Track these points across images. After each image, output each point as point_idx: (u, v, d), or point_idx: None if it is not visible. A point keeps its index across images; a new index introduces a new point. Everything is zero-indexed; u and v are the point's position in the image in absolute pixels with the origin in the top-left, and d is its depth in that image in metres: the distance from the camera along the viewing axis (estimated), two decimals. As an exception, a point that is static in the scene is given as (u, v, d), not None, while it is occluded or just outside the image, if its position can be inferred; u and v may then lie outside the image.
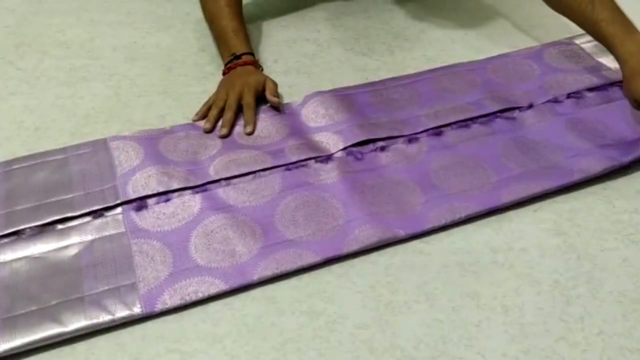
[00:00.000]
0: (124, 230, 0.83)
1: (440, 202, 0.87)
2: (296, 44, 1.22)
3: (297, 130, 0.99)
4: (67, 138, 0.99)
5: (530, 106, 1.03)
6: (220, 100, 1.02)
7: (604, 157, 0.92)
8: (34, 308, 0.74)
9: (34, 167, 0.91)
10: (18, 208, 0.85)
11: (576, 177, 0.90)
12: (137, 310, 0.75)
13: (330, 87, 1.07)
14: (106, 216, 0.85)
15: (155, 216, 0.85)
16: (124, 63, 1.16)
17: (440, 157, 0.95)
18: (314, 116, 1.01)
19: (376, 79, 1.10)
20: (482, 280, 0.80)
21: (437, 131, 0.98)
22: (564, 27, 1.19)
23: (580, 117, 1.01)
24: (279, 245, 0.82)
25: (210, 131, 0.98)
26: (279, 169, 0.92)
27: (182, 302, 0.76)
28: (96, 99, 1.08)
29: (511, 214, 0.88)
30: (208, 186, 0.89)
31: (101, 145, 0.95)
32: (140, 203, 0.86)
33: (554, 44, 1.17)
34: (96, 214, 0.85)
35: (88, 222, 0.84)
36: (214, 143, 0.96)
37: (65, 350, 0.72)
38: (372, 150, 0.95)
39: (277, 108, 1.03)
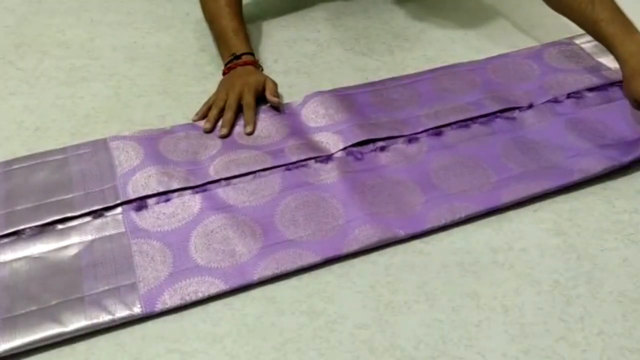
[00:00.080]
0: (124, 230, 0.83)
1: (440, 202, 0.87)
2: (296, 44, 1.22)
3: (297, 130, 0.99)
4: (67, 138, 0.99)
5: (530, 106, 1.03)
6: (220, 100, 1.02)
7: (604, 157, 0.92)
8: (34, 308, 0.74)
9: (34, 167, 0.91)
10: (18, 208, 0.85)
11: (576, 177, 0.91)
12: (137, 310, 0.75)
13: (330, 87, 1.07)
14: (106, 216, 0.85)
15: (155, 216, 0.85)
16: (124, 63, 1.16)
17: (440, 157, 0.95)
18: (314, 116, 1.01)
19: (376, 79, 1.10)
20: (482, 280, 0.80)
21: (437, 131, 0.98)
22: (564, 27, 1.19)
23: (580, 117, 1.01)
24: (279, 245, 0.82)
25: (210, 131, 0.98)
26: (279, 169, 0.92)
27: (182, 302, 0.76)
28: (96, 99, 1.08)
29: (511, 214, 0.88)
30: (208, 186, 0.89)
31: (101, 145, 0.95)
32: (140, 203, 0.86)
33: (554, 44, 1.17)
34: (96, 214, 0.85)
35: (88, 222, 0.84)
36: (214, 143, 0.96)
37: (65, 350, 0.72)
38: (372, 150, 0.95)
39: (277, 108, 1.03)
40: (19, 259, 0.80)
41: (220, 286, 0.77)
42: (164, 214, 0.85)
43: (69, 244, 0.82)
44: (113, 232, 0.83)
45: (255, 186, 0.89)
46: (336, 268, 0.81)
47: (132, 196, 0.86)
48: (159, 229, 0.83)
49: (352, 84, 1.09)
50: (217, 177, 0.90)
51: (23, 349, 0.71)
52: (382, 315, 0.76)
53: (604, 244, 0.84)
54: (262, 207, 0.87)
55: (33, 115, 1.04)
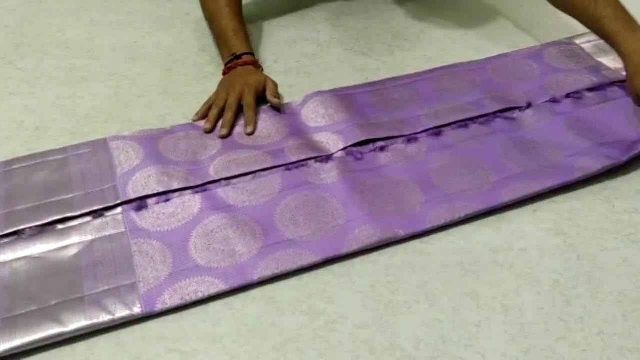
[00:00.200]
0: (124, 230, 0.83)
1: (440, 202, 0.87)
2: (296, 44, 1.22)
3: (297, 130, 0.99)
4: (67, 138, 0.99)
5: (530, 106, 1.03)
6: (220, 100, 1.02)
7: (603, 156, 0.92)
8: (34, 308, 0.74)
9: (34, 167, 0.91)
10: (18, 208, 0.85)
11: (576, 176, 0.91)
12: (137, 310, 0.75)
13: (330, 87, 1.07)
14: (106, 216, 0.85)
15: (155, 216, 0.85)
16: (124, 63, 1.16)
17: (439, 157, 0.95)
18: (314, 116, 1.01)
19: (376, 79, 1.10)
20: (482, 280, 0.80)
21: (436, 131, 0.98)
22: (564, 27, 1.19)
23: (579, 116, 1.01)
24: (279, 245, 0.82)
25: (210, 131, 0.98)
26: (279, 169, 0.92)
27: (182, 302, 0.76)
28: (96, 99, 1.08)
29: (511, 214, 0.88)
30: (208, 186, 0.89)
31: (101, 145, 0.95)
32: (140, 203, 0.86)
33: (554, 44, 1.17)
34: (96, 214, 0.85)
35: (88, 222, 0.84)
36: (214, 143, 0.96)
37: (65, 350, 0.72)
38: (371, 150, 0.95)
39: (278, 108, 1.03)
40: (19, 259, 0.80)
41: (220, 286, 0.77)
42: (164, 214, 0.85)
43: (69, 244, 0.82)
44: (113, 232, 0.83)
45: (255, 186, 0.89)
46: (336, 268, 0.81)
47: (132, 196, 0.86)
48: (159, 229, 0.83)
49: (352, 84, 1.09)
50: (217, 177, 0.90)
51: (23, 349, 0.71)
52: (382, 315, 0.76)
53: (604, 244, 0.84)
54: (262, 207, 0.87)
55: (33, 115, 1.04)
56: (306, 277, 0.80)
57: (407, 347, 0.72)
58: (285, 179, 0.90)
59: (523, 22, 1.27)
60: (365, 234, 0.83)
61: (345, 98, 1.04)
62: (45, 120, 1.03)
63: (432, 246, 0.84)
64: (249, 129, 0.99)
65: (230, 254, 0.81)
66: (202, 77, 1.13)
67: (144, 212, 0.85)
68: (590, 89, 1.05)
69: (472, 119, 1.00)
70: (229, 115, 0.99)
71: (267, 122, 1.01)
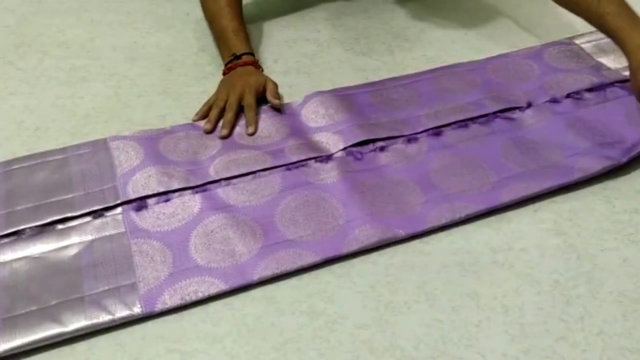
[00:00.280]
0: (124, 230, 0.83)
1: (440, 202, 0.87)
2: (296, 44, 1.22)
3: (297, 130, 0.99)
4: (67, 138, 0.99)
5: (530, 106, 1.03)
6: (220, 100, 1.02)
7: (603, 156, 0.92)
8: (34, 308, 0.74)
9: (34, 167, 0.91)
10: (18, 208, 0.85)
11: (576, 176, 0.91)
12: (137, 310, 0.75)
13: (330, 87, 1.07)
14: (106, 216, 0.85)
15: (155, 216, 0.85)
16: (124, 63, 1.16)
17: (439, 157, 0.95)
18: (314, 116, 1.01)
19: (376, 79, 1.10)
20: (482, 280, 0.80)
21: (436, 131, 0.98)
22: (564, 27, 1.19)
23: (579, 116, 1.01)
24: (279, 245, 0.82)
25: (211, 132, 0.98)
26: (279, 169, 0.92)
27: (182, 302, 0.76)
28: (96, 99, 1.08)
29: (511, 214, 0.88)
30: (208, 186, 0.89)
31: (101, 145, 0.95)
32: (140, 203, 0.86)
33: (554, 44, 1.17)
34: (96, 214, 0.85)
35: (88, 222, 0.84)
36: (214, 143, 0.96)
37: (65, 350, 0.72)
38: (371, 150, 0.95)
39: (278, 109, 1.03)
40: (19, 259, 0.80)
41: (220, 286, 0.77)
42: (163, 214, 0.85)
43: (69, 244, 0.82)
44: (113, 232, 0.83)
45: (255, 186, 0.89)
46: (336, 268, 0.81)
47: (132, 196, 0.86)
48: (158, 229, 0.83)
49: (352, 84, 1.09)
50: (217, 177, 0.90)
51: (23, 349, 0.71)
52: (382, 315, 0.76)
53: (604, 244, 0.84)
54: (262, 207, 0.87)
55: (33, 115, 1.04)
56: (306, 277, 0.80)
57: (407, 347, 0.72)
58: (285, 179, 0.90)
59: (523, 22, 1.27)
60: (365, 234, 0.83)
61: (345, 98, 1.04)
62: (45, 120, 1.03)
63: (432, 246, 0.84)
64: (250, 130, 0.99)
65: (230, 254, 0.81)
66: (202, 77, 1.13)
67: (144, 212, 0.85)
68: (590, 89, 1.05)
69: (472, 119, 1.00)
70: (229, 115, 0.99)
71: (267, 122, 1.01)
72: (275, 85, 1.06)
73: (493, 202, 0.88)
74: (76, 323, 0.73)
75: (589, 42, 1.16)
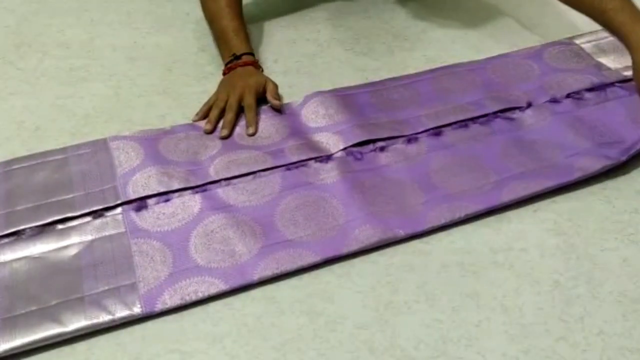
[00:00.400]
0: (123, 230, 0.83)
1: (440, 201, 0.87)
2: (296, 44, 1.22)
3: (297, 131, 0.99)
4: (67, 138, 0.99)
5: (530, 106, 1.03)
6: (221, 101, 1.02)
7: (603, 155, 0.92)
8: (34, 308, 0.74)
9: (34, 167, 0.91)
10: (18, 208, 0.85)
11: (575, 176, 0.90)
12: (137, 310, 0.75)
13: (330, 87, 1.07)
14: (106, 216, 0.85)
15: (155, 216, 0.85)
16: (124, 63, 1.16)
17: (439, 157, 0.94)
18: (314, 116, 1.01)
19: (376, 79, 1.10)
20: (482, 280, 0.80)
21: (436, 131, 0.98)
22: (564, 27, 1.19)
23: (579, 116, 1.01)
24: (279, 245, 0.82)
25: (211, 132, 0.98)
26: (279, 169, 0.92)
27: (182, 302, 0.76)
28: (96, 99, 1.08)
29: (511, 214, 0.88)
30: (208, 186, 0.89)
31: (101, 145, 0.95)
32: (140, 203, 0.86)
33: (554, 44, 1.17)
34: (96, 214, 0.85)
35: (88, 222, 0.84)
36: (214, 143, 0.96)
37: (65, 350, 0.72)
38: (371, 151, 0.95)
39: (278, 109, 1.03)
40: (19, 259, 0.80)
41: (220, 286, 0.77)
42: (163, 214, 0.85)
43: (69, 244, 0.82)
44: (113, 232, 0.83)
45: (255, 186, 0.89)
46: (336, 268, 0.81)
47: (132, 196, 0.86)
48: (158, 229, 0.83)
49: (352, 84, 1.09)
50: (217, 178, 0.90)
51: (23, 349, 0.71)
52: (382, 315, 0.76)
53: (604, 244, 0.84)
54: (262, 207, 0.87)
55: (33, 115, 1.04)
56: (306, 277, 0.80)
57: (407, 347, 0.72)
58: (285, 179, 0.90)
59: (523, 22, 1.27)
60: (366, 234, 0.83)
61: (346, 98, 1.04)
62: (45, 120, 1.03)
63: (432, 246, 0.84)
64: (251, 130, 0.99)
65: (230, 254, 0.81)
66: (202, 77, 1.13)
67: (144, 212, 0.85)
68: (590, 89, 1.05)
69: (472, 119, 1.00)
70: (229, 116, 0.99)
71: (267, 122, 1.01)
72: (276, 86, 1.06)
73: (493, 201, 0.88)
74: (76, 323, 0.73)
75: (589, 42, 1.16)
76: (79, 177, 0.90)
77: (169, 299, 0.76)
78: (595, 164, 0.91)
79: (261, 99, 1.04)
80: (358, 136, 0.96)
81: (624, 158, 0.92)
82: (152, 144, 0.95)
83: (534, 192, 0.89)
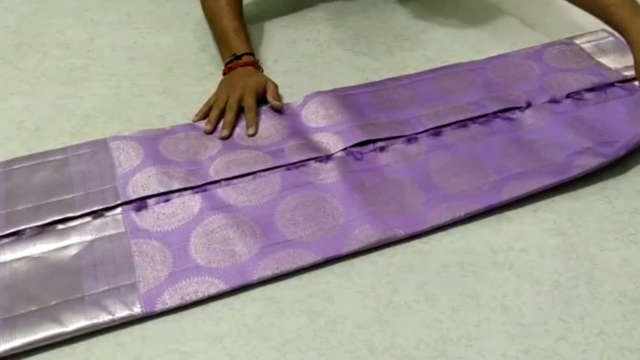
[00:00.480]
0: (123, 230, 0.83)
1: (440, 201, 0.87)
2: (296, 44, 1.22)
3: (297, 131, 0.99)
4: (67, 138, 0.99)
5: (529, 106, 1.03)
6: (221, 101, 1.02)
7: (601, 154, 0.92)
8: (34, 308, 0.74)
9: (34, 167, 0.91)
10: (18, 208, 0.85)
11: (574, 172, 0.90)
12: (137, 310, 0.75)
13: (330, 87, 1.07)
14: (106, 216, 0.85)
15: (155, 216, 0.85)
16: (124, 63, 1.16)
17: (439, 157, 0.94)
18: (314, 117, 1.01)
19: (376, 79, 1.10)
20: (482, 280, 0.80)
21: (436, 131, 0.98)
22: (564, 27, 1.19)
23: (579, 116, 1.01)
24: (278, 245, 0.82)
25: (211, 133, 0.98)
26: (279, 169, 0.92)
27: (182, 302, 0.76)
28: (96, 99, 1.08)
29: (511, 214, 0.88)
30: (208, 186, 0.89)
31: (101, 146, 0.95)
32: (140, 203, 0.86)
33: (554, 44, 1.17)
34: (96, 214, 0.85)
35: (88, 222, 0.84)
36: (214, 144, 0.96)
37: (65, 350, 0.72)
38: (371, 151, 0.95)
39: (278, 110, 1.03)
40: (19, 259, 0.80)
41: (220, 286, 0.77)
42: (163, 214, 0.85)
43: (69, 244, 0.82)
44: (113, 232, 0.83)
45: (255, 186, 0.89)
46: (336, 268, 0.81)
47: (132, 197, 0.86)
48: (158, 229, 0.83)
49: (352, 84, 1.09)
50: (217, 178, 0.90)
51: (23, 349, 0.71)
52: (382, 315, 0.76)
53: (604, 244, 0.84)
54: (262, 207, 0.87)
55: (33, 115, 1.04)
56: (306, 277, 0.80)
57: (407, 347, 0.72)
58: (285, 179, 0.90)
59: (523, 22, 1.27)
60: (365, 234, 0.83)
61: (346, 98, 1.04)
62: (45, 120, 1.03)
63: (432, 246, 0.84)
64: (251, 131, 0.99)
65: (230, 254, 0.81)
66: (202, 77, 1.13)
67: (143, 212, 0.85)
68: (590, 89, 1.05)
69: (472, 119, 1.00)
70: (229, 116, 0.99)
71: (267, 122, 1.01)
72: (276, 87, 1.06)
73: (493, 200, 0.87)
74: (76, 323, 0.73)
75: (589, 42, 1.16)
76: (79, 177, 0.90)
77: (169, 299, 0.76)
78: (592, 161, 0.91)
79: (261, 99, 1.04)
80: (358, 136, 0.96)
81: (622, 152, 0.92)
82: (152, 144, 0.95)
83: (534, 189, 0.89)
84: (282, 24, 1.27)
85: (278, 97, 1.04)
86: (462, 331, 0.74)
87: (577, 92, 1.05)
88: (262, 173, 0.91)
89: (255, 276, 0.79)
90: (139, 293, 0.76)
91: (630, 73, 1.05)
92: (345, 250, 0.82)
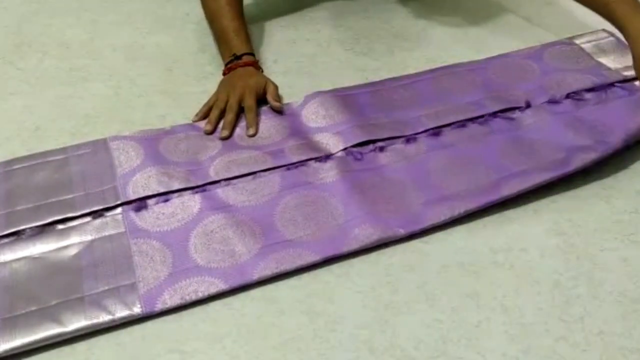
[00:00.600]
0: (123, 230, 0.83)
1: (440, 201, 0.87)
2: (296, 44, 1.22)
3: (297, 131, 0.99)
4: (67, 138, 0.99)
5: (529, 106, 1.03)
6: (221, 101, 1.02)
7: (600, 151, 0.92)
8: (34, 308, 0.74)
9: (34, 167, 0.91)
10: (18, 208, 0.85)
11: (573, 166, 0.90)
12: (137, 310, 0.75)
13: (330, 87, 1.07)
14: (106, 216, 0.85)
15: (155, 216, 0.85)
16: (124, 63, 1.16)
17: (439, 156, 0.94)
18: (314, 117, 1.01)
19: (376, 79, 1.10)
20: (482, 280, 0.80)
21: (436, 131, 0.98)
22: (564, 27, 1.19)
23: (579, 116, 1.01)
24: (278, 245, 0.82)
25: (211, 133, 0.98)
26: (278, 169, 0.92)
27: (182, 302, 0.76)
28: (96, 99, 1.08)
29: (511, 214, 0.88)
30: (207, 186, 0.89)
31: (101, 146, 0.95)
32: (140, 203, 0.86)
33: (554, 44, 1.17)
34: (96, 214, 0.85)
35: (88, 222, 0.84)
36: (214, 144, 0.97)
37: (65, 350, 0.72)
38: (371, 150, 0.95)
39: (279, 111, 1.03)
40: (19, 259, 0.80)
41: (220, 286, 0.78)
42: (163, 214, 0.85)
43: (69, 244, 0.82)
44: (113, 232, 0.83)
45: (254, 186, 0.89)
46: (336, 268, 0.81)
47: (132, 197, 0.86)
48: (158, 229, 0.83)
49: (352, 84, 1.09)
50: (217, 178, 0.90)
51: (23, 349, 0.71)
52: (382, 315, 0.76)
53: (604, 244, 0.84)
54: (262, 207, 0.87)
55: (33, 115, 1.04)
56: (306, 277, 0.80)
57: (407, 347, 0.72)
58: (284, 178, 0.90)
59: (523, 22, 1.27)
60: (365, 233, 0.83)
61: (346, 98, 1.04)
62: (45, 120, 1.03)
63: (432, 246, 0.84)
64: (251, 131, 0.99)
65: (230, 254, 0.81)
66: (202, 77, 1.13)
67: (143, 212, 0.85)
68: (590, 89, 1.05)
69: (471, 119, 1.00)
70: (230, 117, 0.99)
71: (267, 122, 1.01)
72: (276, 87, 1.06)
73: (493, 197, 0.87)
74: (76, 323, 0.73)
75: (589, 42, 1.15)
76: (79, 177, 0.90)
77: (169, 299, 0.76)
78: (592, 155, 0.91)
79: (261, 99, 1.04)
80: (358, 136, 0.96)
81: (619, 146, 0.92)
82: (152, 144, 0.95)
83: (533, 184, 0.88)
84: (282, 24, 1.27)
85: (278, 98, 1.04)
86: (462, 331, 0.74)
87: (577, 92, 1.04)
88: (262, 173, 0.91)
89: (255, 276, 0.79)
90: (139, 293, 0.76)
91: (630, 73, 1.05)
92: (345, 249, 0.82)
